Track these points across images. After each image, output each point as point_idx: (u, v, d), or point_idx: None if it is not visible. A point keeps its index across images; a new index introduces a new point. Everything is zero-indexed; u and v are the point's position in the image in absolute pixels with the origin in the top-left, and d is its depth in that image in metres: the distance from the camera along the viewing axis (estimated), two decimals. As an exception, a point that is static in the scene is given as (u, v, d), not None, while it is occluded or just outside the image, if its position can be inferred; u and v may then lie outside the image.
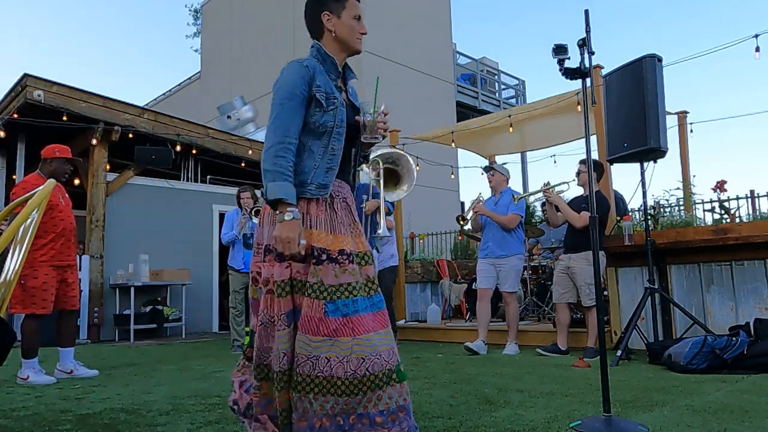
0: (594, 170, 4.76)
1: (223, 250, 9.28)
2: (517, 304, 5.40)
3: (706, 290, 4.68)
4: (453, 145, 7.82)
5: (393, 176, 5.93)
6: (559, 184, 5.01)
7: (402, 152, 5.82)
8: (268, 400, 1.95)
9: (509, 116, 6.85)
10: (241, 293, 5.93)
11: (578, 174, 4.94)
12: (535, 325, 6.10)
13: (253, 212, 5.75)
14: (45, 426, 2.65)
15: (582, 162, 4.99)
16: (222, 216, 9.15)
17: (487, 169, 5.52)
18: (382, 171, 4.84)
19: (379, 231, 4.63)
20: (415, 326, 6.83)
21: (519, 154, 14.07)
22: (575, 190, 5.19)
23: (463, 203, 14.84)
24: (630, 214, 5.94)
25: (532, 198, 5.13)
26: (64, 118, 7.33)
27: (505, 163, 7.59)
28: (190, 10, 28.33)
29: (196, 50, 26.10)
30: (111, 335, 7.80)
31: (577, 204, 4.92)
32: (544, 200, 5.06)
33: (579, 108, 5.93)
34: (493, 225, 5.27)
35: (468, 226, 5.70)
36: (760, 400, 2.83)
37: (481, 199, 5.40)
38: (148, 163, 8.09)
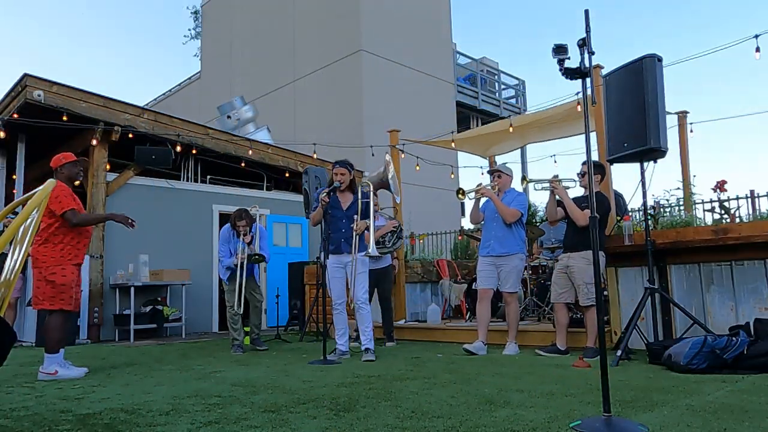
0: (596, 171, 4.77)
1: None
2: (518, 304, 5.38)
3: (706, 290, 4.68)
4: (453, 145, 7.84)
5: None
6: (568, 179, 5.00)
7: (385, 169, 5.88)
8: None
9: (510, 125, 6.87)
10: (237, 291, 5.93)
11: (583, 175, 4.91)
12: (535, 325, 6.10)
13: (254, 258, 5.95)
14: (45, 426, 2.64)
15: (585, 163, 4.98)
16: (222, 216, 9.18)
17: (492, 173, 5.49)
18: (372, 196, 4.97)
19: (369, 251, 4.79)
20: (415, 326, 6.83)
21: (519, 154, 14.10)
22: (577, 190, 5.16)
23: (462, 203, 14.84)
24: (630, 214, 5.94)
25: (539, 186, 5.04)
26: (64, 118, 7.32)
27: (505, 163, 7.59)
28: (190, 12, 28.34)
29: (196, 51, 26.10)
30: (111, 335, 7.80)
31: (578, 203, 4.92)
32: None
33: (579, 108, 5.94)
34: (495, 222, 5.24)
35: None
36: (760, 400, 2.83)
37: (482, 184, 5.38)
38: (148, 163, 8.08)
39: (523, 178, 5.09)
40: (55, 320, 4.31)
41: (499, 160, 8.73)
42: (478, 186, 5.32)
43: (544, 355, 4.81)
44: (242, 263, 5.85)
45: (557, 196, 4.90)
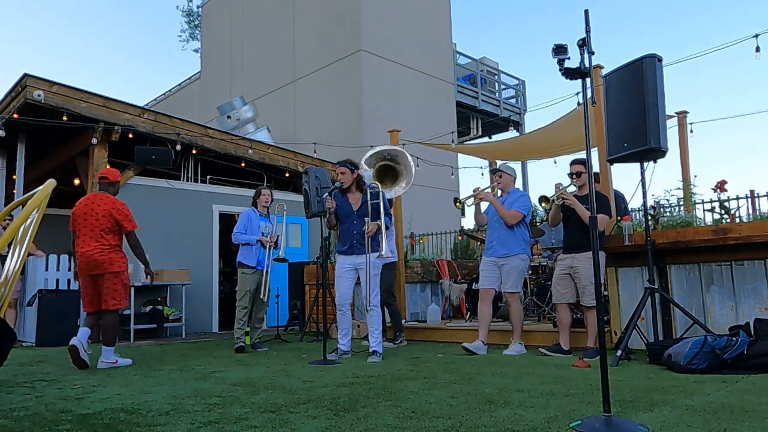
0: (586, 170, 4.79)
1: (222, 248, 9.29)
2: (520, 305, 5.34)
3: (706, 290, 4.68)
4: (453, 145, 7.84)
5: (390, 172, 5.93)
6: (568, 186, 5.01)
7: (401, 149, 5.79)
8: None
9: (514, 134, 6.91)
10: (252, 293, 5.93)
11: (579, 175, 4.92)
12: (535, 324, 6.10)
13: (275, 242, 6.05)
14: (45, 426, 2.65)
15: (574, 162, 4.99)
16: (222, 216, 9.17)
17: (494, 172, 5.45)
18: (382, 197, 4.92)
19: (382, 252, 4.75)
20: (415, 326, 6.83)
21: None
22: (571, 190, 5.15)
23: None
24: (630, 214, 5.93)
25: (556, 201, 5.05)
26: (64, 118, 7.32)
27: (505, 163, 7.60)
28: (182, 12, 28.33)
29: (195, 50, 26.09)
30: (111, 335, 7.80)
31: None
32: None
33: (579, 107, 5.94)
34: (497, 223, 5.22)
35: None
36: (760, 400, 2.83)
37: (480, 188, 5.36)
38: (148, 163, 8.08)
39: (544, 199, 5.08)
40: (114, 318, 4.92)
41: (499, 161, 8.74)
42: (475, 190, 5.30)
43: (547, 354, 4.81)
44: (269, 250, 5.95)
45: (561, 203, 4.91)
